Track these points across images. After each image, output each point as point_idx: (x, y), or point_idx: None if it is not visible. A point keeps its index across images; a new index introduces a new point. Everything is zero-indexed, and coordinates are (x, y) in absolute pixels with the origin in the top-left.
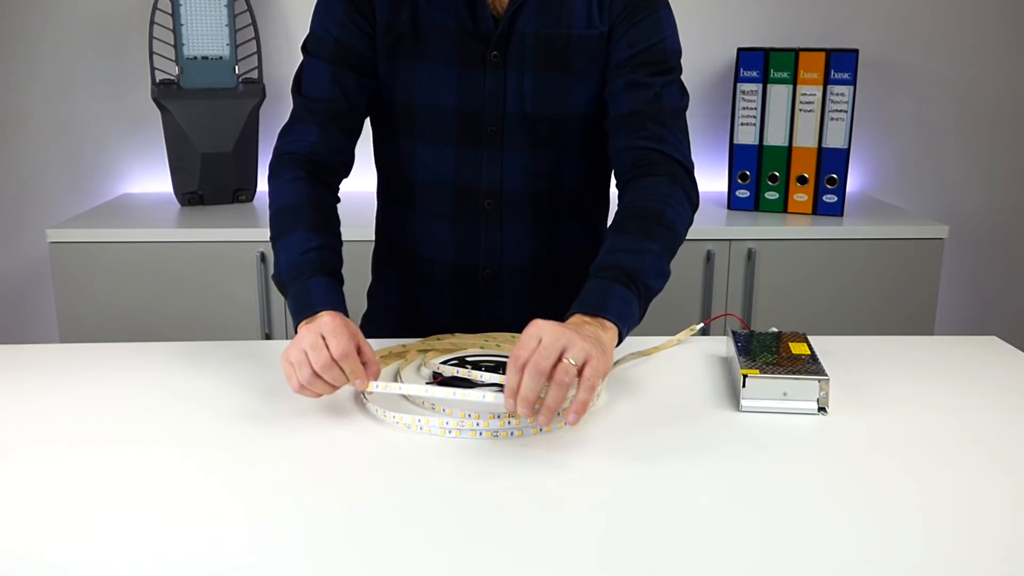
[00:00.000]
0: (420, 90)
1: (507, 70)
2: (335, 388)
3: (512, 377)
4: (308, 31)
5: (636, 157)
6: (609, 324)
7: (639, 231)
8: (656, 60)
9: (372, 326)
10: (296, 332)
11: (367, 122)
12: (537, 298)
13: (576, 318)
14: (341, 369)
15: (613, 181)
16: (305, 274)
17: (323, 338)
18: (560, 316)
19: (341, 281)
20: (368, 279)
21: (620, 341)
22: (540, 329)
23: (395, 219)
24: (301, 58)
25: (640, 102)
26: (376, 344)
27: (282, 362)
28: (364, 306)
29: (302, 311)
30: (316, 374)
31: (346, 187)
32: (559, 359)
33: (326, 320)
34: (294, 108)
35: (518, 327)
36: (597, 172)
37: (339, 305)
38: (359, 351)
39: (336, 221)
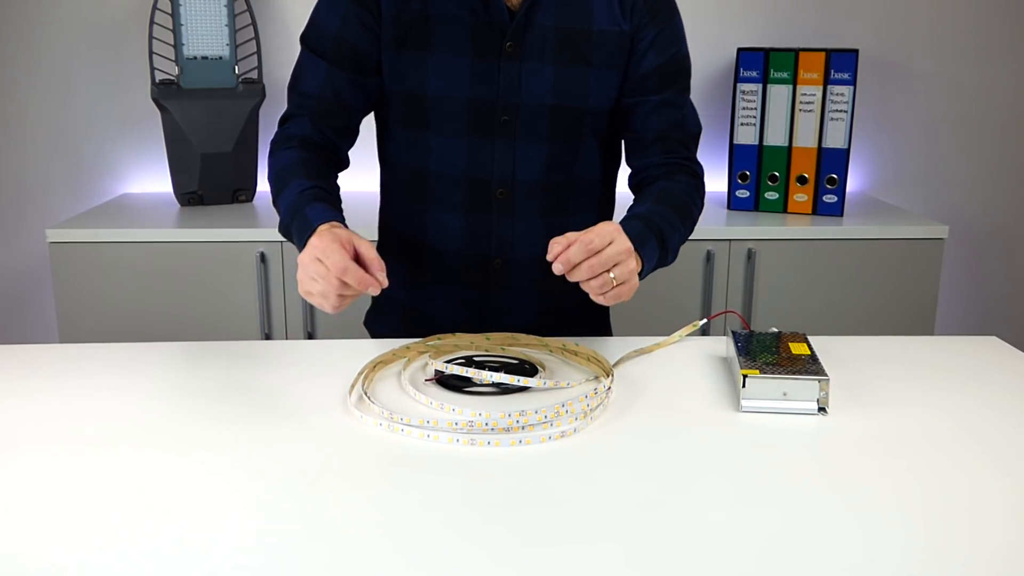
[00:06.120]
0: (432, 81)
1: (523, 61)
2: (360, 293)
3: (578, 255)
4: (307, 21)
5: (668, 170)
6: (639, 262)
7: (676, 211)
8: (680, 71)
9: (376, 322)
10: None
11: (372, 117)
12: (545, 290)
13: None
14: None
15: (620, 179)
16: (303, 206)
17: (320, 261)
18: (567, 308)
19: (339, 210)
20: None
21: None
22: (615, 235)
23: (403, 212)
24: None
25: (669, 125)
26: (378, 345)
27: (305, 297)
28: (367, 302)
29: (303, 235)
30: (340, 295)
31: (350, 185)
32: (610, 268)
33: (314, 242)
34: (288, 101)
35: (525, 319)
36: (607, 165)
37: (336, 218)
38: (358, 255)
39: (332, 175)
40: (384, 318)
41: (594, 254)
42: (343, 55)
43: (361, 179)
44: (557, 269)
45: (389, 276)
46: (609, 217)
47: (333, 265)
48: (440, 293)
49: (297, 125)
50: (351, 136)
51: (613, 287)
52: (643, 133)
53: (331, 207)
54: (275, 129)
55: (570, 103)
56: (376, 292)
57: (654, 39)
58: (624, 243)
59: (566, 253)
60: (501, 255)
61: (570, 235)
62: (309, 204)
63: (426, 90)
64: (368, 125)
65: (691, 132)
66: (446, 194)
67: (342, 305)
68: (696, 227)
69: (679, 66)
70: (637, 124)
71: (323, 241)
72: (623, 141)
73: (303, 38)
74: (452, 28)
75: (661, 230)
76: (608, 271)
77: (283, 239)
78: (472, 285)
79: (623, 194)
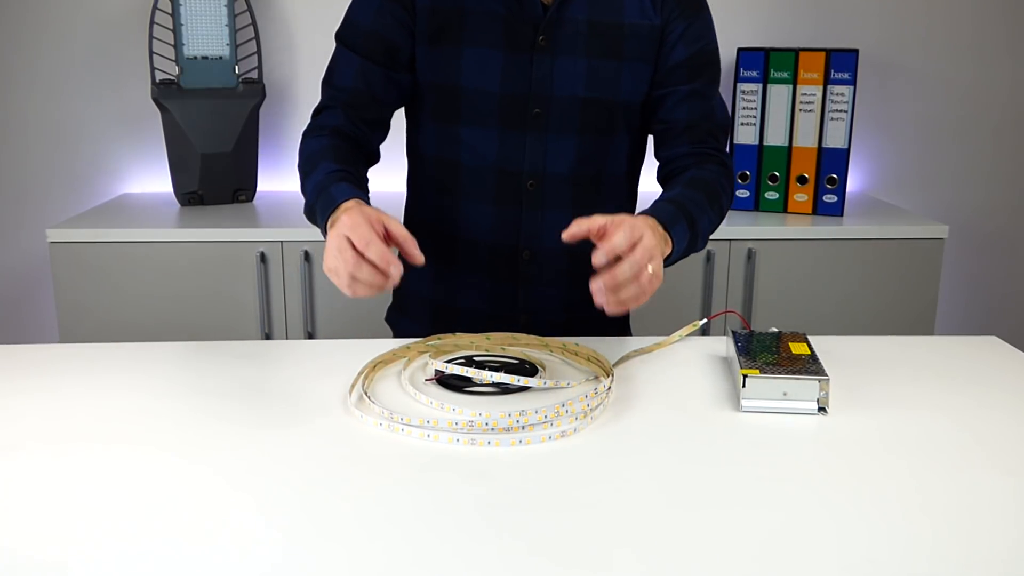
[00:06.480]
0: (465, 74)
1: (556, 55)
2: (382, 280)
3: (623, 243)
4: (342, 19)
5: (697, 160)
6: (670, 243)
7: (705, 196)
8: (709, 63)
9: (401, 317)
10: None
11: (401, 112)
12: (574, 282)
13: (654, 222)
14: (373, 263)
15: (643, 176)
16: (328, 186)
17: (347, 239)
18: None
19: (366, 192)
20: None
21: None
22: (646, 229)
23: (432, 204)
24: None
25: (697, 115)
26: (378, 345)
27: (327, 274)
28: (389, 299)
29: (326, 212)
30: (353, 275)
31: (373, 185)
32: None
33: (344, 219)
34: (322, 94)
35: (553, 313)
36: (634, 160)
37: (359, 196)
38: (388, 233)
39: (362, 166)
40: (410, 313)
41: (634, 245)
42: (376, 49)
43: (384, 178)
44: (599, 260)
45: (415, 272)
46: (632, 212)
47: (358, 239)
48: (469, 285)
49: (330, 116)
50: (383, 130)
51: (651, 282)
52: (672, 123)
53: (357, 187)
54: (275, 129)
55: (602, 96)
56: (398, 275)
57: (683, 32)
58: (653, 238)
59: (610, 243)
60: (530, 247)
61: (595, 219)
62: (335, 184)
63: (459, 82)
64: (393, 123)
65: (720, 123)
66: (476, 186)
67: (357, 289)
68: None
69: (708, 59)
70: (666, 114)
71: (352, 218)
72: (652, 133)
73: (338, 35)
74: (486, 22)
75: (691, 213)
76: (645, 266)
77: (283, 239)
78: (501, 277)
79: (644, 193)
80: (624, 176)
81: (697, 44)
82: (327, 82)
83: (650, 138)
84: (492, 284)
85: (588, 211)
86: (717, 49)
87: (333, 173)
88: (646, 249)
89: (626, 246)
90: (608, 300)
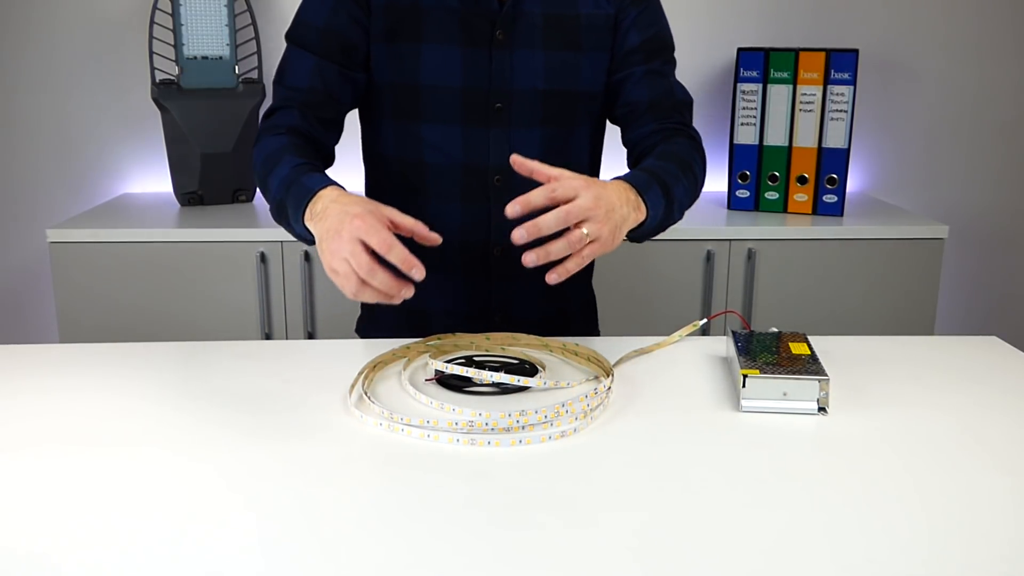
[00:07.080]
0: (424, 71)
1: (514, 48)
2: (398, 288)
3: (539, 197)
4: (293, 20)
5: (665, 136)
6: (643, 208)
7: (677, 165)
8: (664, 47)
9: (370, 326)
10: (308, 229)
11: (356, 115)
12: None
13: (626, 187)
14: (387, 268)
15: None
16: (298, 177)
17: (361, 242)
18: (569, 295)
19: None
20: None
21: (641, 232)
22: (586, 187)
23: (397, 207)
24: None
25: (658, 93)
26: (378, 345)
27: (329, 275)
28: (357, 309)
29: (301, 202)
30: (365, 281)
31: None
32: (579, 224)
33: (357, 223)
34: (273, 96)
35: (527, 311)
36: (595, 152)
37: (335, 184)
38: (396, 227)
39: (321, 165)
40: (380, 322)
41: (562, 209)
42: (332, 47)
43: (343, 182)
44: (511, 211)
45: None
46: None
47: (379, 243)
48: (441, 287)
49: (285, 116)
50: (337, 130)
51: (587, 243)
52: (634, 104)
53: (328, 177)
54: None
55: (562, 88)
56: (420, 277)
57: (636, 18)
58: (592, 200)
59: (525, 197)
60: (501, 242)
61: (547, 167)
62: (305, 175)
63: (418, 80)
64: (347, 129)
65: (682, 100)
66: (442, 184)
67: (365, 295)
68: (695, 227)
69: (662, 43)
70: (627, 96)
71: (365, 222)
72: (617, 121)
73: (289, 36)
74: (443, 18)
75: (664, 180)
76: (579, 226)
77: (283, 239)
78: (474, 275)
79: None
80: (587, 168)
81: (650, 30)
82: (279, 83)
83: (617, 130)
84: (465, 283)
85: (556, 204)
86: (670, 35)
87: (299, 166)
88: (579, 207)
89: (542, 202)
90: (538, 256)
